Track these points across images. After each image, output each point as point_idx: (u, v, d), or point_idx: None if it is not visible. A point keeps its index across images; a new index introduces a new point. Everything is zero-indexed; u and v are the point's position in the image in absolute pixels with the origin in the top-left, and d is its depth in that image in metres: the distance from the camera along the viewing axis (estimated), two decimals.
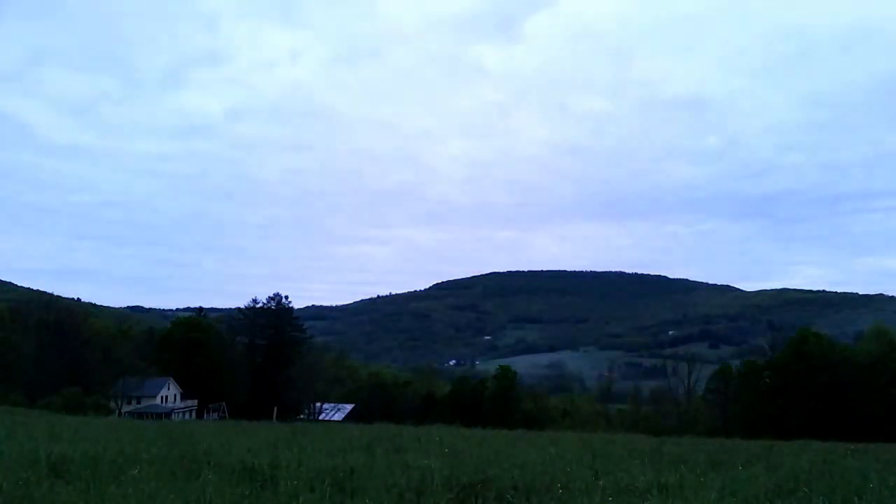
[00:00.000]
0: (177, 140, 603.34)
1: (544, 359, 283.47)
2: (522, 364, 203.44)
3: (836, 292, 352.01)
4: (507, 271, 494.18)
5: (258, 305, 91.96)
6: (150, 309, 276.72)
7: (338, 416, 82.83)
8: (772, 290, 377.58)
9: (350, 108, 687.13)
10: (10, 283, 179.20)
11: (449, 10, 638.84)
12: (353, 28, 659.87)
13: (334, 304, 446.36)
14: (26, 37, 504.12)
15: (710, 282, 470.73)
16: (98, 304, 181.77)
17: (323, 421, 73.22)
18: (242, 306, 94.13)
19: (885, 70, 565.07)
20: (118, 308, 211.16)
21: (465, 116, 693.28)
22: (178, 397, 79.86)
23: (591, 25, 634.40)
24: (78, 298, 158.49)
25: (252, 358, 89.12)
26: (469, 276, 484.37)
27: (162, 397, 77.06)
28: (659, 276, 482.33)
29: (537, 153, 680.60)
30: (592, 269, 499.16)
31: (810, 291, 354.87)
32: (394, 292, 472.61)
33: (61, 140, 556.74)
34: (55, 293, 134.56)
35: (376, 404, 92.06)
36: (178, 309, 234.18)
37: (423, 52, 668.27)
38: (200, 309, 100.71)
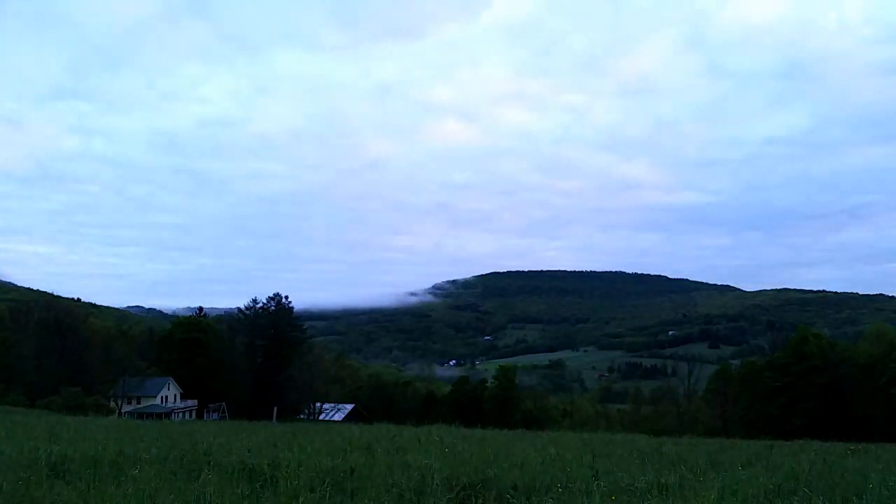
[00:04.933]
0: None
1: (544, 359, 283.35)
2: (522, 364, 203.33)
3: (836, 292, 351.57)
4: (507, 271, 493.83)
5: (258, 306, 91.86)
6: (150, 309, 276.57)
7: (338, 417, 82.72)
8: (772, 290, 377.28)
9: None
10: (11, 283, 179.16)
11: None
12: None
13: (335, 305, 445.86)
14: None
15: (710, 282, 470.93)
16: (98, 304, 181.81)
17: (323, 421, 73.15)
18: (242, 306, 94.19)
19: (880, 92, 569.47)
20: (118, 308, 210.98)
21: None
22: (178, 397, 79.77)
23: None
24: (78, 299, 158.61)
25: (252, 358, 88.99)
26: (469, 276, 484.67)
27: (162, 397, 76.97)
28: (659, 276, 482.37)
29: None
30: (592, 269, 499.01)
31: (810, 291, 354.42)
32: (394, 292, 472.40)
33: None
34: (55, 293, 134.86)
35: (376, 404, 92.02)
36: (178, 309, 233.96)
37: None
38: (200, 309, 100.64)
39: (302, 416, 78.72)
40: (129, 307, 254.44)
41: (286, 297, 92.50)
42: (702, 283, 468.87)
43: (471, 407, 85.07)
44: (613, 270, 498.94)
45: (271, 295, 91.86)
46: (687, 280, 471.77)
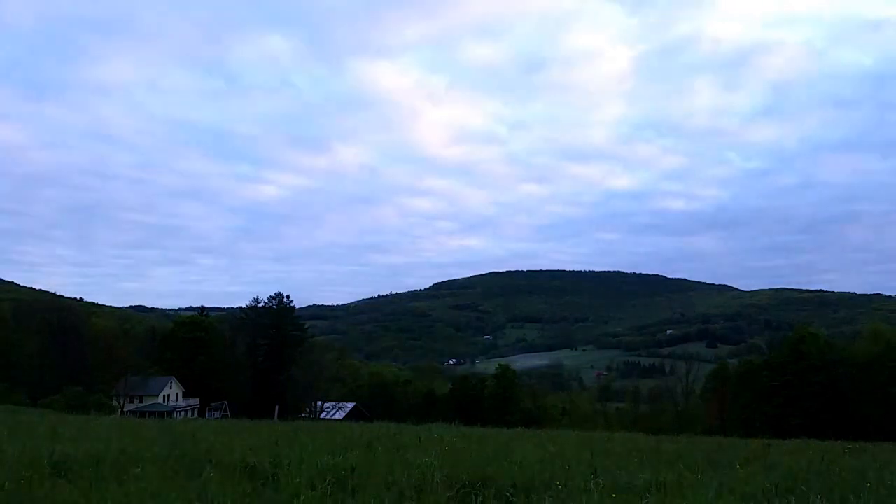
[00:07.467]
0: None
1: (544, 358, 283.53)
2: (522, 363, 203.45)
3: (833, 292, 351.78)
4: (507, 271, 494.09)
5: (260, 305, 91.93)
6: (152, 308, 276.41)
7: (339, 415, 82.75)
8: (769, 290, 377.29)
9: None
10: (13, 282, 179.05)
11: None
12: None
13: (336, 304, 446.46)
14: None
15: (709, 281, 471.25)
16: (100, 303, 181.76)
17: (324, 419, 73.19)
18: (244, 306, 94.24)
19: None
20: (121, 308, 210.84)
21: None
22: (181, 396, 79.86)
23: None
24: (80, 298, 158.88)
25: (254, 357, 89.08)
26: (469, 276, 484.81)
27: (164, 396, 77.04)
28: (657, 275, 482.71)
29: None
30: (591, 269, 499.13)
31: (807, 291, 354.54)
32: (394, 292, 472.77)
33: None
34: (58, 293, 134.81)
35: (377, 403, 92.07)
36: (180, 308, 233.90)
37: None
38: (202, 308, 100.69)
39: (303, 415, 78.77)
40: (131, 307, 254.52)
41: (287, 297, 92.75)
42: (700, 282, 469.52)
43: (471, 405, 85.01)
44: (612, 270, 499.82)
45: (273, 294, 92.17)
46: (685, 280, 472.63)
